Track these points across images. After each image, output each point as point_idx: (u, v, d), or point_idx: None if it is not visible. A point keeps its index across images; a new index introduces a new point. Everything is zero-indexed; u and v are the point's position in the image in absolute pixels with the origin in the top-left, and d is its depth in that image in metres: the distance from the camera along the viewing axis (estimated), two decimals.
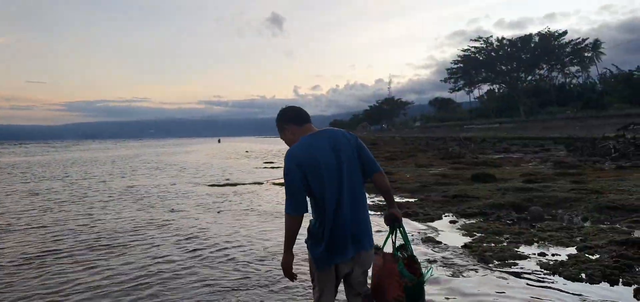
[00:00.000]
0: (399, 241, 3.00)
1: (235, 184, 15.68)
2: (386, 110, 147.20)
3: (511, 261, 5.50)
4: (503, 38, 77.69)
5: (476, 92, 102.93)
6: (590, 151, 21.78)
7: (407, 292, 2.76)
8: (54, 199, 12.81)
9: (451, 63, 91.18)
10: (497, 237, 6.71)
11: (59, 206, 11.44)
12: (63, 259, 6.32)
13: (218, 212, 10.07)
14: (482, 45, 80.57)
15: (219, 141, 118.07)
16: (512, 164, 19.38)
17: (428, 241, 6.65)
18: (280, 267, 2.86)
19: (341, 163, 2.70)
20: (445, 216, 8.65)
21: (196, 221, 9.05)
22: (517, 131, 60.00)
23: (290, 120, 2.93)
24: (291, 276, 2.82)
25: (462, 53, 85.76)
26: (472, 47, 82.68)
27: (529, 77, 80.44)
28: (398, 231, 3.00)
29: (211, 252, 6.56)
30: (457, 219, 8.32)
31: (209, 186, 15.60)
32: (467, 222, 8.04)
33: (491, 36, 79.48)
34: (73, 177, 20.08)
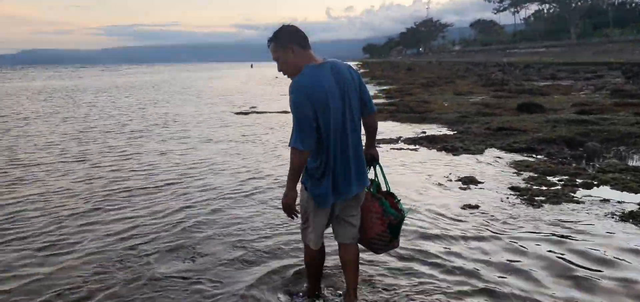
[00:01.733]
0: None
1: (262, 112, 15.07)
2: (423, 33, 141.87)
3: (567, 209, 4.68)
4: None
5: (523, 14, 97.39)
6: None
7: (390, 229, 2.82)
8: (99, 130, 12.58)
9: None
10: (548, 178, 5.86)
11: (104, 136, 11.18)
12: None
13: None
14: None
15: (251, 66, 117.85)
16: (561, 92, 17.93)
17: (468, 181, 5.85)
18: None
19: (345, 99, 2.62)
20: (489, 151, 7.77)
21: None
22: (566, 56, 56.53)
23: (296, 40, 2.63)
24: (293, 213, 2.71)
25: None
26: None
27: None
28: (375, 169, 3.01)
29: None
30: (502, 155, 7.44)
31: (244, 114, 15.06)
32: (514, 158, 7.17)
33: None
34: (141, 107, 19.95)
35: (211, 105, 18.35)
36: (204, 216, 4.86)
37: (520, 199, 5.04)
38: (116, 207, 5.23)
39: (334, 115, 2.53)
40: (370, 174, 2.96)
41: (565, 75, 30.83)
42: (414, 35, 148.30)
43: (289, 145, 2.52)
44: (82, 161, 7.86)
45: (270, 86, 32.18)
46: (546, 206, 4.79)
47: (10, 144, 9.56)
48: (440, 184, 5.78)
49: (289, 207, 2.66)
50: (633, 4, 72.52)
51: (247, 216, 4.80)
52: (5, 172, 7.03)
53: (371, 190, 2.92)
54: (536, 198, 5.01)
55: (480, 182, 5.80)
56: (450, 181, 5.93)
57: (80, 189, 6.03)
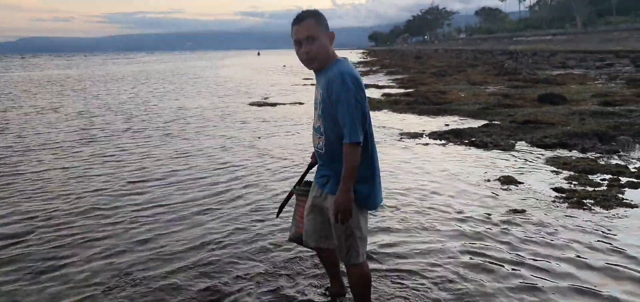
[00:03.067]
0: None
1: (274, 104, 14.83)
2: (429, 20, 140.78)
3: (622, 214, 4.46)
4: None
5: (527, 1, 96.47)
6: None
7: None
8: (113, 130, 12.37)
9: None
10: (590, 177, 5.64)
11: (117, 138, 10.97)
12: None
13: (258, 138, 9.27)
14: None
15: (258, 54, 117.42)
16: (577, 82, 17.63)
17: (507, 181, 5.63)
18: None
19: None
20: (519, 146, 7.55)
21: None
22: (572, 44, 55.97)
23: (330, 33, 2.43)
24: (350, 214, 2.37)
25: None
26: None
27: None
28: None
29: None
30: (534, 151, 7.22)
31: (257, 105, 14.83)
32: (548, 154, 6.95)
33: None
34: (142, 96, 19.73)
35: (224, 96, 18.06)
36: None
37: (568, 202, 4.80)
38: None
39: (369, 114, 2.43)
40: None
41: (574, 63, 30.48)
42: (420, 23, 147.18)
43: (348, 142, 2.24)
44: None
45: (281, 75, 31.95)
46: (597, 209, 4.57)
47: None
48: (479, 185, 5.56)
49: (347, 211, 2.34)
50: None
51: None
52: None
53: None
54: (585, 201, 4.78)
55: (519, 183, 5.56)
56: (489, 181, 5.70)
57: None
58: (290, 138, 9.04)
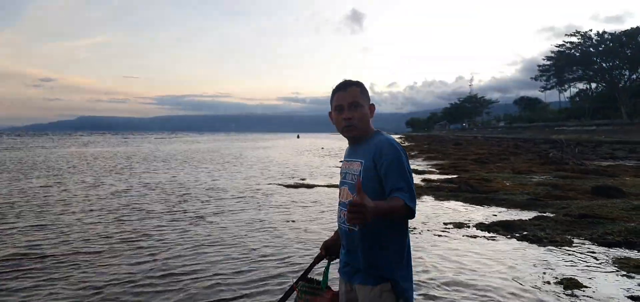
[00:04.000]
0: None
1: (311, 186, 14.50)
2: (468, 108, 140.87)
3: None
4: (604, 32, 70.65)
5: (567, 93, 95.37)
6: None
7: None
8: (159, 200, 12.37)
9: (543, 59, 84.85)
10: None
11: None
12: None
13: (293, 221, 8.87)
14: (579, 40, 73.86)
15: (298, 136, 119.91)
16: (631, 174, 16.60)
17: (571, 284, 4.95)
18: None
19: None
20: (578, 243, 6.82)
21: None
22: (618, 135, 54.18)
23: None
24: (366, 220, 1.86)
25: (555, 49, 79.39)
26: (567, 42, 76.18)
27: (633, 75, 72.56)
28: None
29: None
30: (596, 250, 6.48)
31: (293, 187, 14.56)
32: (613, 254, 6.21)
33: (590, 30, 72.44)
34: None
35: (265, 177, 17.94)
36: None
37: None
38: None
39: None
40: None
41: (623, 154, 29.20)
42: (458, 110, 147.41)
43: (409, 205, 1.98)
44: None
45: (319, 157, 31.98)
46: None
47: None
48: (536, 288, 4.90)
49: (368, 216, 1.77)
50: None
51: None
52: None
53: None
54: None
55: (585, 287, 4.88)
56: (548, 284, 5.03)
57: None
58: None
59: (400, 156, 2.11)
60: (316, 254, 2.55)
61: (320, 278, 2.51)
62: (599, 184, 12.14)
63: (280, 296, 2.73)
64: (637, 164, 21.70)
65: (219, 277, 5.31)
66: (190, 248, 6.61)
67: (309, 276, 2.56)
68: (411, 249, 2.22)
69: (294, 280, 2.59)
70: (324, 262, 2.58)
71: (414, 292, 2.24)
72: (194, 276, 5.36)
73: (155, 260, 5.99)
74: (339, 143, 63.63)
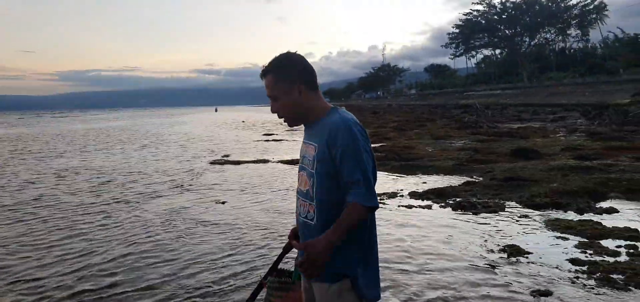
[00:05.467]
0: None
1: (237, 162, 13.86)
2: (382, 77, 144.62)
3: None
4: (507, 0, 75.15)
5: (474, 59, 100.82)
6: (621, 120, 20.05)
7: None
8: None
9: (452, 27, 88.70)
10: (603, 244, 5.00)
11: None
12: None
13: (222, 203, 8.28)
14: (485, 8, 78.05)
15: (216, 110, 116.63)
16: (540, 135, 17.67)
17: (514, 251, 4.90)
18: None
19: None
20: (510, 208, 6.92)
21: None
22: (521, 97, 58.17)
23: (305, 77, 1.95)
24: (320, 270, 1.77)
25: (463, 17, 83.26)
26: (474, 10, 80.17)
27: (533, 42, 78.17)
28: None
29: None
30: (528, 213, 6.59)
31: (219, 163, 13.79)
32: (545, 216, 6.32)
33: None
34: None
35: (181, 158, 16.92)
36: None
37: (594, 279, 4.09)
38: None
39: None
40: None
41: (528, 116, 31.30)
42: (373, 80, 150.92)
43: (359, 202, 1.74)
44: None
45: (239, 130, 31.07)
46: (634, 289, 3.88)
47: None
48: (483, 257, 4.80)
49: (321, 264, 1.74)
50: (571, 50, 76.87)
51: None
52: None
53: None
54: (613, 276, 4.10)
55: (527, 253, 4.84)
56: (492, 252, 4.95)
57: None
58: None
59: (355, 140, 1.79)
60: (284, 244, 2.20)
61: (292, 269, 2.19)
62: (515, 146, 12.68)
63: (248, 295, 2.27)
64: (542, 125, 23.24)
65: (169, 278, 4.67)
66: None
67: (279, 268, 2.22)
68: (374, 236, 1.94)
69: (262, 275, 2.25)
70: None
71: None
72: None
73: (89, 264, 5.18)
74: (261, 116, 62.59)
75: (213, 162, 13.82)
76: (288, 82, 1.92)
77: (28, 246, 5.76)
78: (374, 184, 1.84)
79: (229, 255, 5.21)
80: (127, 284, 4.43)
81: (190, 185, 10.03)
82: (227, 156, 15.66)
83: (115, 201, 8.46)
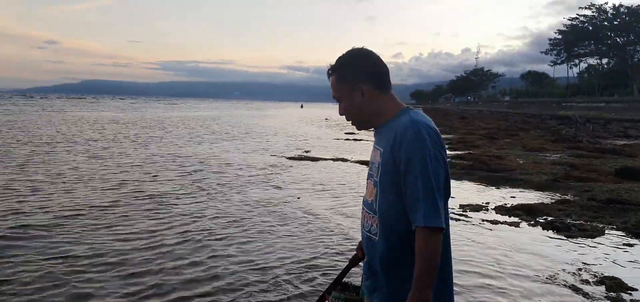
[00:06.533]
0: None
1: (316, 159, 13.87)
2: (474, 81, 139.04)
3: None
4: (621, 5, 68.62)
5: (577, 68, 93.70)
6: None
7: None
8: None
9: (555, 32, 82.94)
10: None
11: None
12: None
13: (298, 198, 8.27)
14: (593, 14, 71.89)
15: (301, 106, 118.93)
16: None
17: (615, 286, 4.31)
18: None
19: None
20: (610, 233, 6.18)
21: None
22: (629, 112, 53.12)
23: (370, 77, 1.74)
24: None
25: (568, 22, 77.46)
26: (580, 15, 74.20)
27: None
28: None
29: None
30: (632, 241, 5.83)
31: (297, 159, 13.96)
32: None
33: (606, 3, 70.23)
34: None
35: (263, 150, 17.34)
36: None
37: None
38: None
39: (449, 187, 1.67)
40: None
41: (636, 133, 28.41)
42: (464, 84, 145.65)
43: (422, 225, 1.49)
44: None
45: (322, 128, 31.37)
46: None
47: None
48: (574, 288, 4.29)
49: None
50: None
51: None
52: None
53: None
54: None
55: (631, 289, 4.25)
56: (586, 283, 4.41)
57: None
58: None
59: (423, 149, 1.55)
60: (351, 256, 2.02)
61: (358, 283, 2.02)
62: (620, 165, 11.46)
63: None
64: None
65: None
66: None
67: (344, 281, 2.05)
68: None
69: (326, 289, 2.06)
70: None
71: None
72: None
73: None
74: None
75: (292, 158, 13.95)
76: (350, 82, 1.75)
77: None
78: (445, 200, 1.61)
79: (285, 256, 5.13)
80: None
81: (269, 179, 10.16)
82: (308, 151, 15.75)
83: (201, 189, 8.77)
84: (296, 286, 4.29)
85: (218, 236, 5.72)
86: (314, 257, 5.06)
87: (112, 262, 4.69)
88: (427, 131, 1.59)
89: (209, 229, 6.00)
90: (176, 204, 7.36)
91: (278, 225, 6.34)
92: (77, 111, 44.71)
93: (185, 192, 8.38)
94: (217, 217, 6.65)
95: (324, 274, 4.58)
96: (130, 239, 5.48)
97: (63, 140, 16.41)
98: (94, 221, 6.15)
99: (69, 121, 28.14)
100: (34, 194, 7.63)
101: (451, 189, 1.67)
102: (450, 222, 4.55)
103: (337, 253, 5.21)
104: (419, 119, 1.63)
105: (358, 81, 1.73)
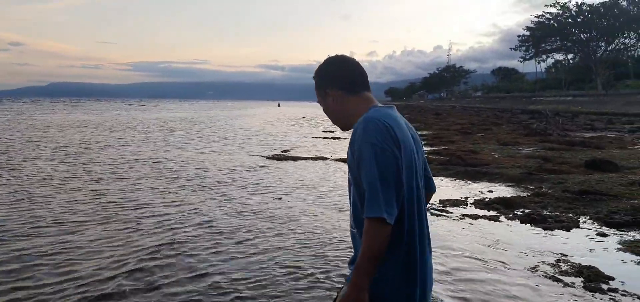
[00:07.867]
0: None
1: (295, 158, 13.88)
2: (446, 78, 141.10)
3: None
4: (583, 3, 70.68)
5: (545, 63, 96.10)
6: None
7: None
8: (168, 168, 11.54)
9: (523, 29, 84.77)
10: None
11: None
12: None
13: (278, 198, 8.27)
14: (558, 11, 73.83)
15: (278, 105, 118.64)
16: (616, 146, 16.42)
17: (592, 276, 4.44)
18: None
19: (419, 165, 1.76)
20: (584, 224, 6.39)
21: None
22: (594, 105, 54.79)
23: (339, 83, 1.87)
24: None
25: (535, 19, 79.31)
26: (546, 13, 76.10)
27: (609, 47, 73.13)
28: None
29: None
30: (606, 232, 6.04)
31: (276, 159, 13.91)
32: (626, 237, 5.77)
33: (569, 1, 72.22)
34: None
35: (238, 150, 17.23)
36: None
37: None
38: None
39: (416, 181, 1.69)
40: None
41: (602, 125, 29.33)
42: (437, 80, 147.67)
43: (366, 216, 1.54)
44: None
45: (300, 127, 31.33)
46: None
47: None
48: (555, 280, 4.41)
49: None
50: None
51: None
52: None
53: None
54: None
55: (609, 279, 4.39)
56: (566, 274, 4.54)
57: None
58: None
59: (368, 142, 1.60)
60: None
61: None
62: (589, 157, 11.83)
63: None
64: (619, 135, 21.67)
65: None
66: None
67: None
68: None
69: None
70: None
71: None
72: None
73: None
74: (321, 112, 62.83)
75: (271, 157, 13.91)
76: (323, 89, 1.92)
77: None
78: (397, 191, 1.60)
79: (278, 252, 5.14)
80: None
81: (248, 180, 10.12)
82: (287, 151, 15.74)
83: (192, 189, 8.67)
84: (280, 285, 4.29)
85: (201, 240, 5.68)
86: (299, 258, 5.07)
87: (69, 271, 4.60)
88: (374, 125, 1.62)
89: (194, 234, 5.95)
90: (157, 210, 7.26)
91: (262, 225, 6.33)
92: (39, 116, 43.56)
93: (164, 199, 8.27)
94: (199, 220, 6.59)
95: (310, 274, 4.60)
96: (104, 249, 5.39)
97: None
98: (64, 228, 6.03)
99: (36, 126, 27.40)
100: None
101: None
102: (430, 216, 4.61)
103: (322, 255, 5.23)
104: (371, 115, 1.68)
105: (327, 86, 1.89)
